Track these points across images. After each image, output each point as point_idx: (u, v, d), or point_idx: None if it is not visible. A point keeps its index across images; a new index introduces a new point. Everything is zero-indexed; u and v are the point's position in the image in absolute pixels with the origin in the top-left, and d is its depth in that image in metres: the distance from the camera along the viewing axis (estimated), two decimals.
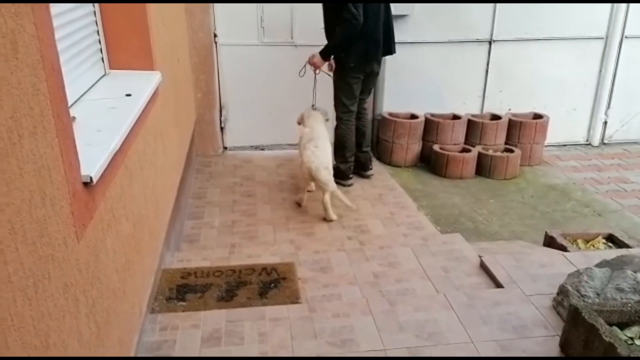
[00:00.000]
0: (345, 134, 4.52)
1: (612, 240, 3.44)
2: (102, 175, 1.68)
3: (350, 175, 4.66)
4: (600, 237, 3.45)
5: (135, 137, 2.29)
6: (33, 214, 1.21)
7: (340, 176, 4.56)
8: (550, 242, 3.45)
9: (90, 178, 1.56)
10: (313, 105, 4.44)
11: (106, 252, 1.78)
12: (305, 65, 4.35)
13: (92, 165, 1.62)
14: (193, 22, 4.78)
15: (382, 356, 2.26)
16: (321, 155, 3.96)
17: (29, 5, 1.24)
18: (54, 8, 2.01)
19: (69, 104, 2.17)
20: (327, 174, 3.93)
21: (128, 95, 2.43)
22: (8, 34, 1.13)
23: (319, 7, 4.33)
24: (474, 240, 3.78)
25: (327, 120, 4.43)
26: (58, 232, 1.35)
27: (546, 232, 3.54)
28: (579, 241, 3.43)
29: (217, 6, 4.84)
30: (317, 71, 4.35)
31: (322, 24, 4.38)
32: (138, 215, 2.28)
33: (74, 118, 2.00)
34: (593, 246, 3.39)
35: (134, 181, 2.25)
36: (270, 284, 2.86)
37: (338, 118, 4.52)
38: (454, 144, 5.20)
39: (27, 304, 1.16)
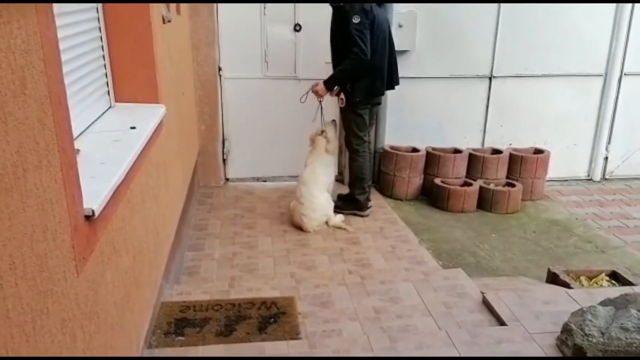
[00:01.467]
0: (363, 165, 4.55)
1: (616, 277, 3.41)
2: (104, 208, 1.69)
3: (369, 205, 4.68)
4: (603, 274, 3.42)
5: (138, 170, 2.30)
6: (34, 249, 1.21)
7: (359, 207, 4.60)
8: (553, 278, 3.42)
9: (93, 211, 1.56)
10: (323, 131, 4.49)
11: (105, 285, 1.77)
12: (307, 92, 4.40)
13: (94, 198, 1.62)
14: (198, 55, 4.86)
15: None
16: (300, 206, 4.27)
17: (39, 42, 1.27)
18: (63, 42, 2.05)
19: (75, 136, 2.20)
20: (311, 221, 4.26)
21: (133, 128, 2.45)
22: (17, 70, 1.15)
23: (322, 41, 4.41)
24: (476, 275, 3.75)
25: (327, 150, 4.50)
26: (58, 267, 1.35)
27: (549, 269, 3.51)
28: (582, 278, 3.40)
29: (222, 40, 4.93)
30: (321, 99, 4.41)
31: (325, 59, 4.45)
32: (138, 248, 2.27)
33: (78, 150, 2.01)
34: (596, 283, 3.36)
35: (136, 213, 2.25)
36: (270, 319, 2.83)
37: (354, 151, 4.52)
38: (456, 178, 5.21)
39: (25, 340, 1.15)
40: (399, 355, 2.45)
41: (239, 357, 2.25)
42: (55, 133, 1.35)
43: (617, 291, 2.90)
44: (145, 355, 2.37)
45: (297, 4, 4.93)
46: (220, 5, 4.83)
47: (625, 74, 5.54)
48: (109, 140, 2.24)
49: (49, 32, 1.33)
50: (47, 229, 1.28)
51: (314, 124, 4.52)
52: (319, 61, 4.84)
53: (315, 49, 4.92)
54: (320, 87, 4.30)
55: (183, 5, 4.30)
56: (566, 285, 3.24)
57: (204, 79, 4.95)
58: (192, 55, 4.84)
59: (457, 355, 2.46)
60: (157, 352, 2.46)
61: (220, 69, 5.00)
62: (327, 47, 4.41)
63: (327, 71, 4.38)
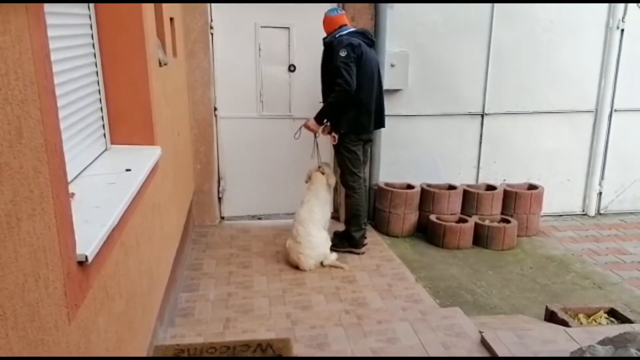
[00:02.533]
0: (359, 202, 4.56)
1: (614, 314, 3.38)
2: (97, 253, 1.68)
3: (365, 242, 4.67)
4: (601, 312, 3.39)
5: (132, 212, 2.30)
6: (25, 298, 1.20)
7: (355, 244, 4.59)
8: (551, 316, 3.39)
9: (86, 257, 1.55)
10: (320, 167, 4.56)
11: (98, 332, 1.74)
12: (300, 128, 4.49)
13: (88, 243, 1.61)
14: (194, 96, 4.92)
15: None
16: (297, 245, 4.26)
17: (36, 91, 1.29)
18: (61, 88, 2.08)
19: (70, 180, 2.21)
20: (309, 259, 4.25)
21: (128, 170, 2.46)
22: (14, 120, 1.16)
23: (316, 81, 4.49)
24: (474, 314, 3.71)
25: (329, 184, 4.58)
26: (50, 315, 1.33)
27: (547, 307, 3.49)
28: (581, 316, 3.37)
29: (218, 81, 5.01)
30: (317, 135, 4.49)
31: (319, 98, 4.53)
32: (132, 292, 2.25)
33: (72, 194, 2.02)
34: (595, 321, 3.33)
35: (130, 257, 2.23)
36: None
37: (350, 188, 4.55)
38: (451, 214, 5.22)
39: None
40: None
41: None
42: (50, 180, 1.36)
43: (616, 329, 2.87)
44: None
45: (291, 46, 5.03)
46: (216, 46, 4.92)
47: (615, 110, 5.63)
48: (104, 184, 2.24)
49: (46, 81, 1.35)
50: (40, 278, 1.27)
51: (311, 161, 4.60)
52: (314, 100, 4.90)
53: (309, 89, 4.99)
54: (311, 122, 4.41)
55: (179, 48, 4.38)
56: (565, 323, 3.21)
57: (200, 119, 5.00)
58: (188, 96, 4.90)
59: None
60: None
61: (215, 109, 5.06)
62: (320, 87, 4.49)
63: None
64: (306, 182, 4.60)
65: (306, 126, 4.45)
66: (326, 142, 4.69)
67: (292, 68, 5.10)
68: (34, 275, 1.24)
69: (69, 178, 2.20)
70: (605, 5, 5.37)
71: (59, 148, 1.43)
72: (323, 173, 4.56)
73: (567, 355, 2.53)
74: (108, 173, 2.40)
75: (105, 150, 2.78)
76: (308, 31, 4.88)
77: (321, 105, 4.49)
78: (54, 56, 2.08)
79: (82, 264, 1.56)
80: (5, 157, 1.11)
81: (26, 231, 1.21)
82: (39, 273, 1.27)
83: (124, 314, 2.11)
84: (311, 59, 4.79)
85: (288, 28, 4.99)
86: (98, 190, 2.16)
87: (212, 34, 4.87)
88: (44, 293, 1.30)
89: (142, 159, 2.67)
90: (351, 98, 4.20)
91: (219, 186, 5.27)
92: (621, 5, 5.32)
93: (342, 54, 4.12)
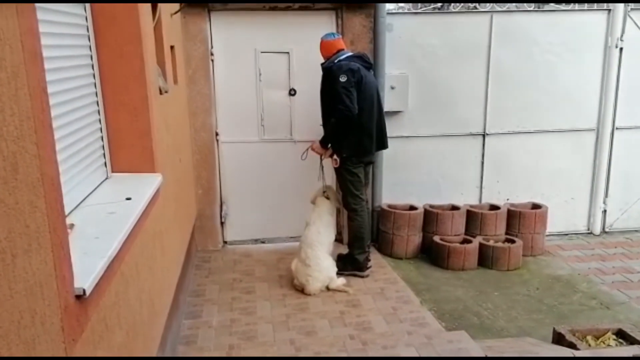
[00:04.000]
0: (362, 224, 4.55)
1: (622, 335, 3.33)
2: (96, 285, 1.66)
3: (369, 265, 4.64)
4: (609, 333, 3.34)
5: (133, 242, 2.29)
6: (21, 335, 1.18)
7: (358, 267, 4.57)
8: (559, 339, 3.34)
9: (84, 291, 1.54)
10: (324, 192, 4.59)
11: None
12: (307, 150, 4.55)
13: (86, 276, 1.60)
14: (196, 122, 4.95)
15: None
16: (306, 268, 4.23)
17: (33, 126, 1.29)
18: (60, 119, 2.09)
19: (70, 210, 2.21)
20: (317, 282, 4.22)
21: (128, 199, 2.46)
22: (9, 156, 1.16)
23: (317, 104, 4.51)
24: (481, 337, 3.66)
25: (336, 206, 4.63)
26: (47, 351, 1.31)
27: (554, 329, 3.44)
28: (589, 337, 3.32)
29: (219, 107, 5.04)
30: (322, 157, 4.54)
31: (320, 121, 4.55)
32: (132, 322, 2.23)
33: (72, 225, 2.01)
34: (603, 343, 3.28)
35: (130, 287, 2.22)
36: None
37: (353, 210, 4.54)
38: (455, 235, 5.19)
39: None
40: None
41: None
42: (46, 214, 1.35)
43: (625, 351, 2.83)
44: None
45: (291, 71, 5.06)
46: (217, 73, 4.97)
47: (617, 128, 5.62)
48: (104, 213, 2.24)
49: (42, 115, 1.36)
50: (36, 314, 1.26)
51: (313, 184, 4.64)
52: (315, 123, 4.93)
53: (310, 112, 5.02)
54: (317, 145, 4.47)
55: (180, 75, 4.42)
56: (572, 346, 3.16)
57: (201, 144, 5.02)
58: (190, 122, 4.93)
59: None
60: None
61: (217, 134, 5.08)
62: (320, 111, 4.52)
63: (322, 133, 4.50)
64: (312, 202, 4.60)
65: (312, 149, 4.51)
66: (331, 165, 4.70)
67: (292, 92, 5.13)
68: (30, 311, 1.23)
69: (69, 208, 2.21)
70: (603, 25, 5.40)
71: (56, 181, 1.43)
72: (328, 198, 4.57)
73: None
74: (108, 202, 2.39)
75: (106, 178, 2.78)
76: (307, 56, 4.92)
77: (321, 128, 4.52)
78: (54, 87, 2.11)
79: (80, 297, 1.54)
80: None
81: (22, 267, 1.20)
82: (35, 309, 1.26)
83: (124, 346, 2.08)
84: (311, 82, 4.82)
85: (288, 53, 5.03)
86: (98, 220, 2.15)
87: (212, 60, 4.92)
88: (41, 329, 1.28)
89: (143, 187, 2.67)
90: (352, 122, 4.22)
91: (221, 211, 5.26)
92: (619, 24, 5.35)
93: (342, 79, 4.15)
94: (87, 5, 2.58)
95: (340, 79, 4.16)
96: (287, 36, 4.99)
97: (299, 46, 4.99)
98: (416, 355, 3.07)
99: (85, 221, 2.12)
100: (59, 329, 1.39)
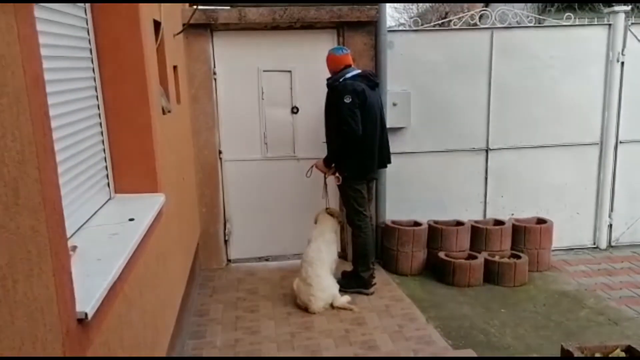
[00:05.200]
0: (366, 241, 4.53)
1: (631, 352, 3.27)
2: (98, 308, 1.65)
3: (374, 282, 4.62)
4: (618, 350, 3.28)
5: (136, 263, 2.29)
6: None
7: (363, 285, 4.54)
8: (567, 356, 3.28)
9: (86, 314, 1.53)
10: (327, 208, 4.61)
11: None
12: (312, 168, 4.57)
13: (88, 299, 1.59)
14: (199, 140, 4.97)
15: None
16: (308, 287, 4.22)
17: (34, 151, 1.29)
18: (63, 141, 2.10)
19: (72, 232, 2.21)
20: (319, 301, 4.20)
21: (131, 219, 2.46)
22: (10, 182, 1.16)
23: (319, 122, 4.53)
24: (488, 354, 3.61)
25: (339, 222, 4.64)
26: None
27: (562, 346, 3.38)
28: (597, 355, 3.26)
29: (222, 125, 5.06)
30: (326, 176, 4.54)
31: (322, 138, 4.57)
32: (135, 344, 2.21)
33: (74, 247, 2.01)
34: None
35: (133, 309, 2.20)
36: None
37: (357, 227, 4.53)
38: (460, 251, 5.15)
39: None
40: None
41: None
42: (48, 239, 1.35)
43: None
44: None
45: (293, 89, 5.08)
46: (220, 91, 5.00)
47: (620, 142, 5.61)
48: (106, 235, 2.24)
49: (44, 140, 1.36)
50: (37, 339, 1.25)
51: (317, 201, 4.67)
52: (317, 141, 4.95)
53: (313, 129, 5.04)
54: (320, 163, 4.48)
55: (183, 94, 4.45)
56: None
57: (205, 163, 5.03)
58: (193, 140, 4.95)
59: None
60: None
61: (220, 152, 5.09)
62: (323, 128, 4.55)
63: (324, 150, 4.55)
64: (315, 222, 4.59)
65: (316, 166, 4.52)
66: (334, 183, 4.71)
67: (295, 110, 5.15)
68: (31, 337, 1.22)
69: (72, 230, 2.21)
70: (604, 40, 5.42)
71: (57, 205, 1.43)
72: (331, 214, 4.57)
73: None
74: (111, 223, 2.39)
75: (110, 199, 2.79)
76: (309, 74, 4.96)
77: (324, 144, 4.53)
78: (57, 110, 2.13)
79: (82, 321, 1.53)
80: (0, 219, 1.11)
81: (23, 292, 1.20)
82: (37, 335, 1.25)
83: None
84: (313, 100, 4.86)
85: (290, 71, 5.06)
86: (101, 242, 2.15)
87: (215, 79, 4.96)
88: (42, 354, 1.27)
89: (146, 207, 2.67)
90: (356, 143, 4.24)
91: (225, 229, 5.25)
92: (620, 39, 5.37)
93: (347, 100, 4.16)
94: (90, 27, 2.60)
95: (344, 100, 4.16)
96: (289, 55, 5.03)
97: (301, 65, 5.04)
98: None
99: (88, 243, 2.12)
100: (60, 354, 1.38)
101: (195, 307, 4.39)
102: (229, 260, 5.37)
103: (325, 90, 4.46)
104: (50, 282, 1.35)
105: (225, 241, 5.30)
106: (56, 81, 2.17)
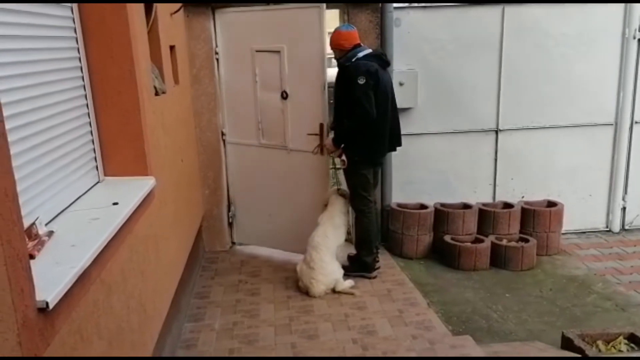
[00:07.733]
0: (369, 226, 4.46)
1: (634, 340, 3.17)
2: (65, 296, 1.62)
3: (377, 266, 4.57)
4: (621, 338, 3.19)
5: (118, 248, 2.25)
6: None
7: (366, 269, 4.49)
8: (567, 344, 3.20)
9: (47, 303, 1.49)
10: (339, 189, 4.56)
11: None
12: (318, 147, 4.47)
13: (52, 288, 1.55)
14: (201, 121, 4.90)
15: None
16: (311, 271, 4.17)
17: None
18: (44, 122, 2.06)
19: (54, 216, 2.18)
20: (320, 285, 4.15)
21: (115, 203, 2.42)
22: None
23: (307, 110, 4.42)
24: (487, 340, 3.56)
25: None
26: None
27: (563, 333, 3.30)
28: (599, 342, 3.18)
29: (225, 106, 4.95)
30: (333, 154, 4.47)
31: (308, 130, 4.48)
32: (116, 330, 2.19)
33: (51, 233, 1.98)
34: (614, 348, 3.13)
35: (113, 294, 2.17)
36: None
37: (360, 212, 4.46)
38: (466, 234, 5.05)
39: None
40: None
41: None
42: None
43: (636, 357, 2.69)
44: None
45: (282, 71, 4.60)
46: (222, 72, 4.88)
47: (636, 122, 5.41)
48: (87, 219, 2.20)
49: None
50: None
51: (317, 194, 4.60)
52: (306, 131, 4.57)
53: (302, 116, 4.61)
54: (329, 142, 4.37)
55: (184, 75, 4.39)
56: (581, 351, 3.03)
57: (207, 144, 4.97)
58: (195, 121, 4.89)
59: None
60: None
61: (223, 134, 5.01)
62: (311, 117, 4.46)
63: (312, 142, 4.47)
64: (324, 205, 4.49)
65: (325, 146, 4.42)
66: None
67: (284, 95, 4.68)
68: None
69: (52, 214, 2.18)
70: (620, 16, 5.19)
71: (10, 192, 1.38)
72: (342, 195, 4.48)
73: None
74: (95, 207, 2.36)
75: (98, 182, 2.75)
76: (297, 54, 4.51)
77: (310, 137, 4.46)
78: (40, 90, 2.09)
79: (43, 310, 1.50)
80: None
81: None
82: None
83: (106, 355, 2.04)
84: (302, 85, 4.53)
85: (279, 52, 4.59)
86: (79, 227, 2.12)
87: (217, 59, 4.85)
88: None
89: (133, 190, 2.63)
90: (369, 126, 4.12)
91: (229, 211, 5.21)
92: (637, 15, 5.14)
93: (361, 81, 4.01)
94: (75, 6, 2.54)
95: (358, 81, 4.01)
96: (280, 33, 4.55)
97: (290, 45, 4.53)
98: None
99: (66, 228, 2.09)
100: (15, 344, 1.35)
101: (196, 289, 4.39)
102: (233, 243, 5.34)
103: (312, 77, 4.31)
104: (2, 271, 1.31)
105: (230, 223, 5.26)
106: (39, 61, 2.13)
